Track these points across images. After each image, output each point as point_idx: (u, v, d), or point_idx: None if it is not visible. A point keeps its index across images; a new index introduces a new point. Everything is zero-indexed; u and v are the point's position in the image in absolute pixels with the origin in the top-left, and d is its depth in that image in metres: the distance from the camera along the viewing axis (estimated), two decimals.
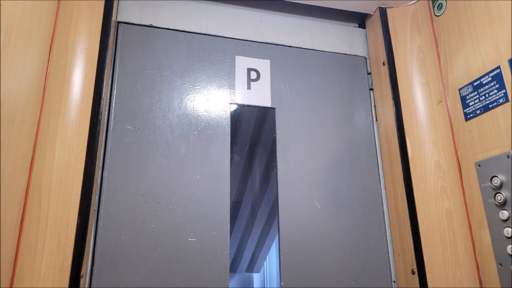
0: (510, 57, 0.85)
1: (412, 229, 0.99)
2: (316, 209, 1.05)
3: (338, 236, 1.04)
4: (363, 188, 1.12)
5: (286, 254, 0.99)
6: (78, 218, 0.79)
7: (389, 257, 1.07)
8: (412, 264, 0.98)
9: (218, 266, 0.92)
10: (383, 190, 1.13)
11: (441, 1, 1.09)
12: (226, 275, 0.92)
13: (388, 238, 1.09)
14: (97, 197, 0.89)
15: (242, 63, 1.13)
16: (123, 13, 1.06)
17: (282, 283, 0.96)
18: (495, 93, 0.88)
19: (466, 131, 0.97)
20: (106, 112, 0.96)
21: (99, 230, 0.87)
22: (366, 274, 1.04)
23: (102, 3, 0.95)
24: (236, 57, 1.13)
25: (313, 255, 1.01)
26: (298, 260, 0.99)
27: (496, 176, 0.86)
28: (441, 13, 1.09)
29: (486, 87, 0.91)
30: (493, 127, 0.89)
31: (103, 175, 0.91)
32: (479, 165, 0.92)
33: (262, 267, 2.08)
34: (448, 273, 0.93)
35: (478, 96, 0.93)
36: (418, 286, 0.95)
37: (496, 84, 0.88)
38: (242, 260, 1.98)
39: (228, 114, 1.06)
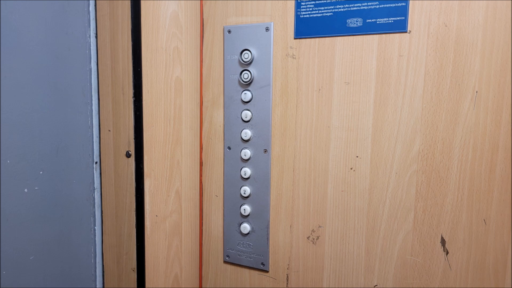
0: None
1: (135, 101, 0.73)
2: None
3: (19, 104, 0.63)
4: (60, 31, 0.70)
5: None
6: None
7: (92, 133, 0.79)
8: (129, 145, 0.75)
9: None
10: (92, 39, 0.77)
11: None
12: None
13: (93, 108, 0.78)
14: None
15: None
16: None
17: None
18: None
19: None
20: None
21: None
22: (60, 156, 0.72)
23: None
24: None
25: None
26: None
27: (247, 50, 0.72)
28: None
29: None
30: None
31: None
32: (229, 31, 0.74)
33: None
34: (166, 153, 0.78)
35: None
36: (134, 171, 0.75)
37: None
38: None
39: None
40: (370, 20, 0.62)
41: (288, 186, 0.72)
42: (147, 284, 0.77)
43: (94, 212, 0.81)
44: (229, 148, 0.77)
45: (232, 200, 0.78)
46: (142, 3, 0.72)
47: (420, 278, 0.62)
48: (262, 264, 0.76)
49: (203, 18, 0.78)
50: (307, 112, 0.69)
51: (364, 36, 0.63)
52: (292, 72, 0.70)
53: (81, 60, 0.74)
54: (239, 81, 0.74)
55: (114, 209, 0.79)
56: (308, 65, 0.68)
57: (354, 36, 0.64)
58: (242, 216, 0.77)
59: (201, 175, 0.83)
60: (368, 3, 0.62)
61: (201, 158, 0.82)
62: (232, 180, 0.78)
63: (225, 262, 0.81)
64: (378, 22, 0.62)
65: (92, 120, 0.78)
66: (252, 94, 0.73)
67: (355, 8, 0.63)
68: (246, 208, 0.76)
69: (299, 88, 0.69)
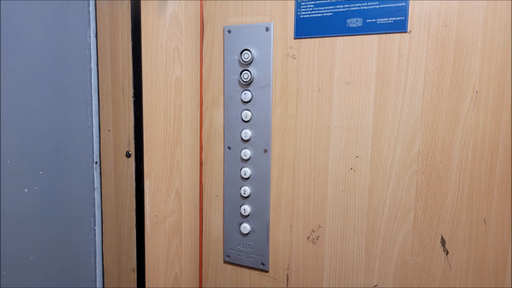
0: None
1: (135, 101, 0.73)
2: None
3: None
4: (60, 31, 0.70)
5: None
6: None
7: (92, 133, 0.79)
8: (129, 145, 0.75)
9: None
10: (92, 39, 0.76)
11: None
12: None
13: (93, 108, 0.78)
14: None
15: None
16: None
17: None
18: None
19: None
20: None
21: None
22: (60, 156, 0.72)
23: None
24: None
25: None
26: None
27: (247, 50, 0.72)
28: None
29: None
30: None
31: None
32: (229, 31, 0.74)
33: None
34: (166, 153, 0.78)
35: None
36: (134, 171, 0.75)
37: None
38: None
39: None
40: (370, 20, 0.62)
41: (288, 186, 0.72)
42: (147, 284, 0.77)
43: (94, 212, 0.81)
44: (229, 148, 0.77)
45: (232, 200, 0.78)
46: (142, 3, 0.72)
47: (420, 278, 0.62)
48: (262, 264, 0.76)
49: (203, 18, 0.78)
50: (307, 112, 0.69)
51: (364, 36, 0.63)
52: (292, 72, 0.70)
53: (81, 60, 0.74)
54: (239, 81, 0.74)
55: (114, 209, 0.79)
56: (308, 65, 0.68)
57: (354, 36, 0.64)
58: (242, 216, 0.77)
59: (201, 175, 0.83)
60: (368, 3, 0.62)
61: (201, 158, 0.82)
62: (232, 180, 0.78)
63: (225, 262, 0.81)
64: (378, 22, 0.62)
65: (92, 120, 0.78)
66: (252, 94, 0.73)
67: (355, 8, 0.63)
68: (246, 208, 0.76)
69: (299, 88, 0.69)
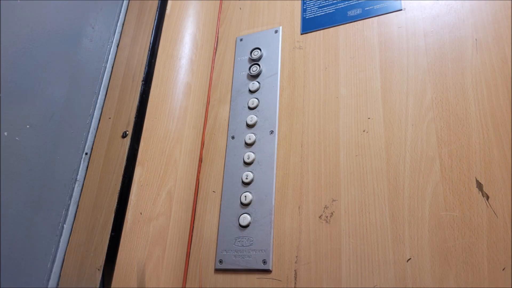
0: None
1: (143, 85, 0.75)
2: None
3: None
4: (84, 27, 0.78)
5: None
6: None
7: (91, 122, 0.76)
8: (128, 126, 0.72)
9: None
10: (116, 36, 0.84)
11: None
12: None
13: (100, 97, 0.78)
14: None
15: None
16: None
17: None
18: None
19: (237, 8, 0.87)
20: None
21: None
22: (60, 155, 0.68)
23: None
24: None
25: None
26: None
27: (258, 49, 0.78)
28: None
29: None
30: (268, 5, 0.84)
31: None
32: (241, 40, 0.82)
33: None
34: (165, 149, 0.74)
35: None
36: (127, 152, 0.69)
37: None
38: None
39: None
40: (368, 8, 0.71)
41: (296, 163, 0.66)
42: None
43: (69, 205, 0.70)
44: (232, 137, 0.73)
45: (232, 194, 0.69)
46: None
47: (463, 236, 0.50)
48: (264, 262, 0.61)
49: (218, 34, 0.87)
50: (315, 89, 0.70)
51: (364, 20, 0.71)
52: (299, 60, 0.74)
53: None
54: (247, 75, 0.77)
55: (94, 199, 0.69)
56: (315, 51, 0.73)
57: (356, 22, 0.71)
58: (242, 205, 0.67)
59: (199, 172, 0.76)
60: None
61: (201, 155, 0.76)
62: (234, 168, 0.71)
63: (216, 271, 0.64)
64: (375, 8, 0.71)
65: (94, 110, 0.77)
66: (259, 83, 0.75)
67: (354, 3, 0.73)
68: (247, 195, 0.66)
69: (306, 71, 0.72)
